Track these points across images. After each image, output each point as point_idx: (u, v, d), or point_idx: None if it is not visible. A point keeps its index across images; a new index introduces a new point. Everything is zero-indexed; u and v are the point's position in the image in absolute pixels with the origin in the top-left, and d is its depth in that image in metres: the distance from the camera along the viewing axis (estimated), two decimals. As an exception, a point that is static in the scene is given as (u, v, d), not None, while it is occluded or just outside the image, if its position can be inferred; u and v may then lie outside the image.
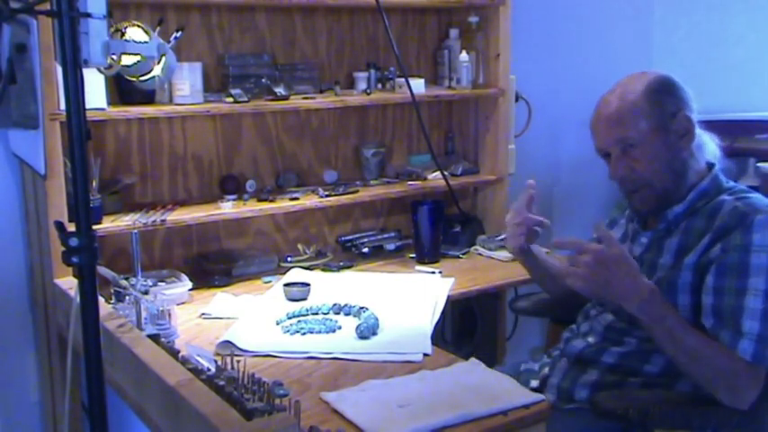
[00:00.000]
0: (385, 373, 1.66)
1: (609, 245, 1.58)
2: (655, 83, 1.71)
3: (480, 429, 1.42)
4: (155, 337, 1.70)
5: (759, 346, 1.53)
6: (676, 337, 1.57)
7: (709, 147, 1.76)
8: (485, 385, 1.57)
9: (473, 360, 1.71)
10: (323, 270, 2.48)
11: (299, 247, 2.60)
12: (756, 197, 1.68)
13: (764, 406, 1.58)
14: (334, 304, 2.05)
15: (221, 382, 1.41)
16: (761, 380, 1.55)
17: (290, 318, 1.99)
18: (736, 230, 1.59)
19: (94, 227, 1.34)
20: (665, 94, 1.70)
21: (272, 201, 2.39)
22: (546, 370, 1.85)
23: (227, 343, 1.79)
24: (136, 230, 2.01)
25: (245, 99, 2.30)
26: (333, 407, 1.50)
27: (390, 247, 2.67)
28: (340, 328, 1.93)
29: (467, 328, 2.79)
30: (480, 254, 2.64)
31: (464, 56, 2.66)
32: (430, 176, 2.70)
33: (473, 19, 2.71)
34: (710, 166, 1.75)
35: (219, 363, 1.56)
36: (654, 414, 1.59)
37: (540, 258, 1.98)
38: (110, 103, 2.12)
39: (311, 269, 2.45)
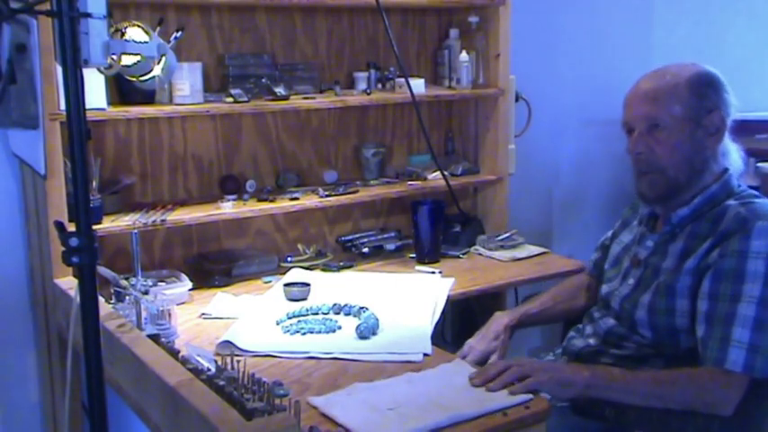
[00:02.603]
0: (385, 374, 1.66)
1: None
2: (702, 75, 1.70)
3: (480, 429, 1.41)
4: (155, 337, 1.70)
5: (749, 356, 1.51)
6: (636, 385, 1.56)
7: (733, 156, 1.74)
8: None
9: (458, 360, 1.71)
10: (323, 270, 2.48)
11: (299, 247, 2.60)
12: (762, 203, 1.65)
13: (745, 412, 1.55)
14: (335, 304, 2.05)
15: (221, 382, 1.41)
16: (738, 385, 1.53)
17: (290, 318, 1.99)
18: (736, 236, 1.58)
19: (94, 227, 1.34)
20: (708, 89, 1.69)
21: (272, 201, 2.39)
22: (547, 367, 1.85)
23: (227, 343, 1.79)
24: (136, 230, 2.01)
25: (245, 99, 2.30)
26: (321, 411, 1.47)
27: (390, 247, 2.67)
28: (340, 328, 1.93)
29: (467, 328, 2.79)
30: (480, 254, 2.64)
31: (464, 56, 2.65)
32: (430, 176, 2.70)
33: (473, 19, 2.71)
34: (725, 170, 1.72)
35: (219, 363, 1.55)
36: (629, 416, 1.59)
37: (531, 316, 2.01)
38: (110, 103, 2.12)
39: (311, 269, 2.45)
